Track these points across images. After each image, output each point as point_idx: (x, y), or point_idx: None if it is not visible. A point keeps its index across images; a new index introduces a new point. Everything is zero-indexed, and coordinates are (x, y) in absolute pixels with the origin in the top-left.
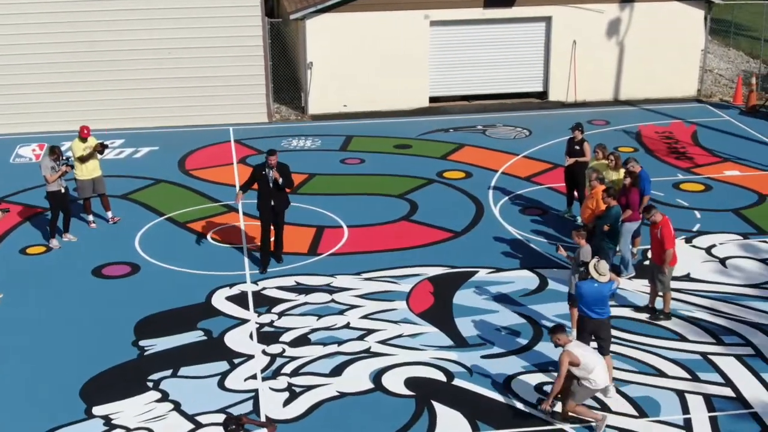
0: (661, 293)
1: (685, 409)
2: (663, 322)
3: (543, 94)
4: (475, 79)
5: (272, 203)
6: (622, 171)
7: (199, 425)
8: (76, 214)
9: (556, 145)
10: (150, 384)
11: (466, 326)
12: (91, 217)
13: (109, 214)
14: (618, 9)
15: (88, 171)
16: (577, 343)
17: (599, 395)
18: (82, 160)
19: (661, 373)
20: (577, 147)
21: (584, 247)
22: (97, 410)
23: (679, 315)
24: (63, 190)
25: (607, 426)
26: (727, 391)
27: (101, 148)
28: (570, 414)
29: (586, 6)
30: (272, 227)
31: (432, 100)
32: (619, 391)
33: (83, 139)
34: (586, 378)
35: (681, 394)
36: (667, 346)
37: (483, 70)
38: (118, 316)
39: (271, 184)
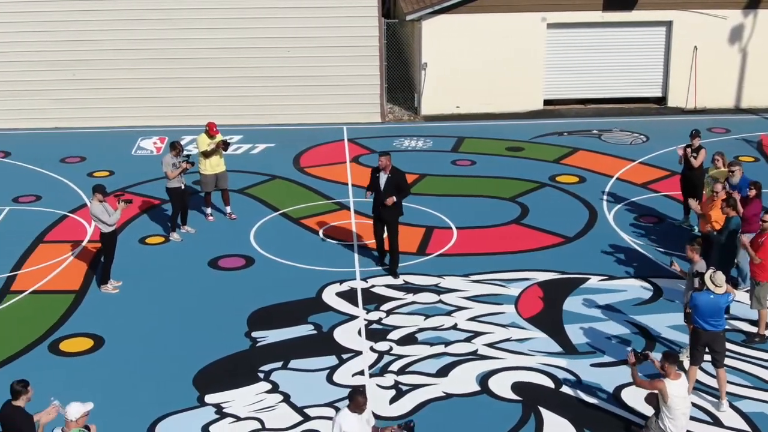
0: (755, 309)
1: None
2: None
3: (661, 100)
4: (591, 83)
5: (382, 206)
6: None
7: (307, 418)
8: (197, 206)
9: (673, 152)
10: (261, 375)
11: (575, 333)
12: (209, 210)
13: (228, 209)
14: (741, 15)
15: (212, 166)
16: (680, 382)
17: (711, 408)
18: (206, 155)
19: None
20: (695, 154)
21: (698, 263)
22: (209, 398)
23: None
24: (183, 187)
25: None
26: None
27: (224, 145)
28: None
29: (708, 11)
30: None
31: (546, 102)
32: (732, 406)
33: (210, 135)
34: (664, 416)
35: None
36: None
37: (600, 73)
38: (232, 307)
39: (382, 189)
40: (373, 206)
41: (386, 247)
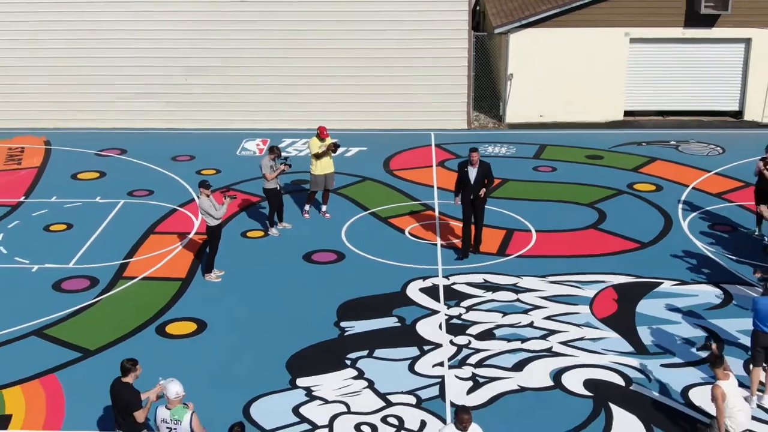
0: None
1: None
2: None
3: (738, 113)
4: (670, 95)
5: (472, 197)
6: None
7: (389, 404)
8: (300, 202)
9: (749, 164)
10: (348, 362)
11: (647, 334)
12: (307, 207)
13: (324, 208)
14: None
15: (322, 167)
16: (730, 381)
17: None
18: (317, 156)
19: None
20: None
21: None
22: (300, 381)
23: None
24: (278, 188)
25: None
26: None
27: (334, 147)
28: None
29: None
30: (473, 220)
31: (626, 113)
32: None
33: (321, 139)
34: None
35: None
36: None
37: (679, 86)
38: (323, 298)
39: (472, 181)
40: (463, 197)
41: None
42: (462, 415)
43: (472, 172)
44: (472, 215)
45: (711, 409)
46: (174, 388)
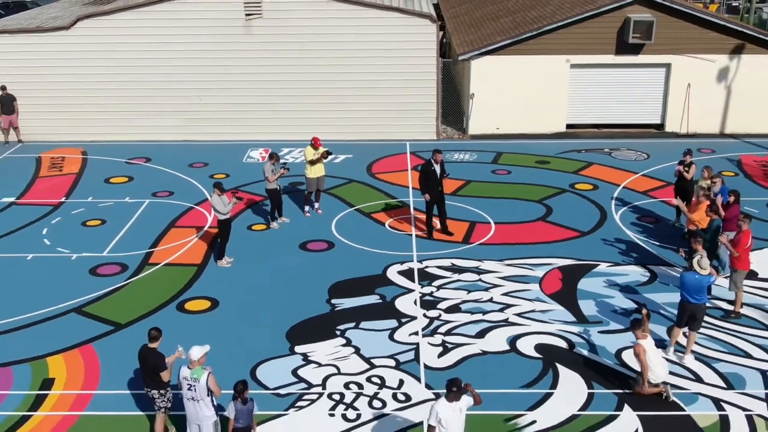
0: (732, 291)
1: None
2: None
3: (660, 126)
4: (604, 111)
5: (440, 188)
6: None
7: (373, 366)
8: (298, 202)
9: (669, 167)
10: (338, 332)
11: (586, 307)
12: (307, 208)
13: (316, 205)
14: (727, 59)
15: (315, 171)
16: (648, 340)
17: (695, 368)
18: (312, 162)
19: (747, 355)
20: (687, 169)
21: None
22: (298, 348)
23: (767, 309)
24: (278, 188)
25: (700, 394)
26: None
27: (327, 155)
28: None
29: (700, 56)
30: (437, 207)
31: (568, 126)
32: (711, 367)
33: (315, 148)
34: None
35: (764, 373)
36: (755, 333)
37: (611, 103)
38: (317, 280)
39: (438, 176)
40: (430, 191)
41: (434, 223)
42: (453, 389)
43: (437, 168)
44: (434, 204)
45: (638, 367)
46: (196, 351)
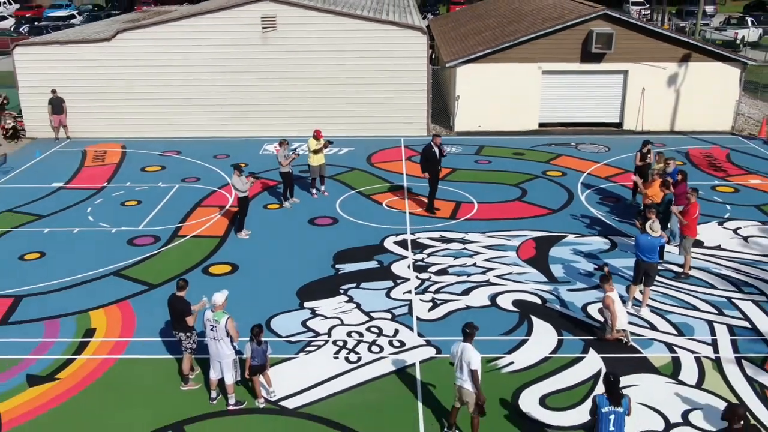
0: (682, 255)
1: (713, 333)
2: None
3: (619, 124)
4: (571, 111)
5: (439, 168)
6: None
7: (372, 318)
8: (305, 187)
9: (627, 158)
10: (341, 291)
11: (557, 270)
12: (314, 191)
13: (322, 188)
14: (677, 67)
15: (317, 160)
16: (614, 293)
17: (650, 319)
18: (315, 152)
19: (695, 308)
20: (649, 155)
21: (654, 220)
22: (306, 304)
23: (712, 271)
24: (291, 172)
25: (655, 340)
26: (745, 324)
27: (327, 145)
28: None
29: (653, 64)
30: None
31: (540, 124)
32: (664, 318)
33: (317, 139)
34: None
35: (710, 323)
36: (702, 291)
37: (577, 105)
38: (323, 248)
39: (437, 156)
40: (430, 169)
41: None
42: (466, 330)
43: (436, 150)
44: (437, 182)
45: (600, 318)
46: (218, 296)
